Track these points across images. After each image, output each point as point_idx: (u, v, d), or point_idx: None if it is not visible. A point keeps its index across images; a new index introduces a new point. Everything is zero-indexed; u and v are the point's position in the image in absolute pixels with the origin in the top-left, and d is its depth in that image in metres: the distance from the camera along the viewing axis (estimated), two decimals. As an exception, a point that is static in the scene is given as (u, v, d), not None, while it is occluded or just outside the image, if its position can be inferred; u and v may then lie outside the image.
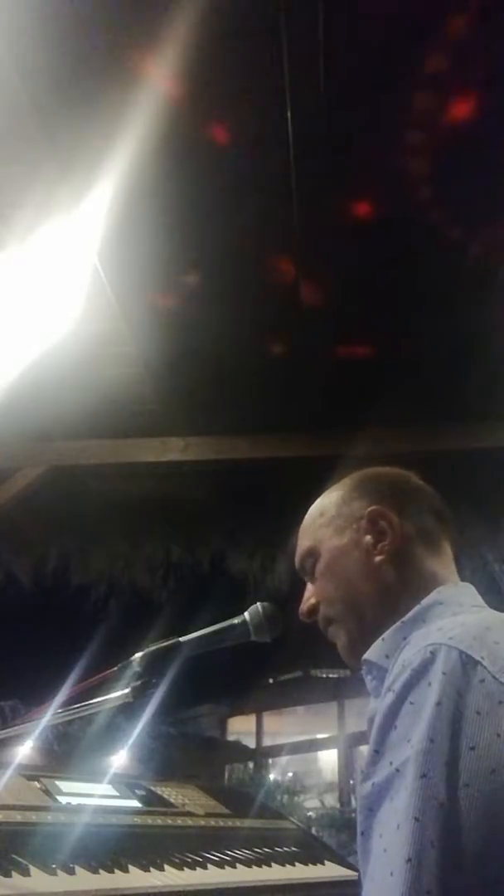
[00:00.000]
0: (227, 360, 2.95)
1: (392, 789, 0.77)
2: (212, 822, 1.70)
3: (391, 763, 0.78)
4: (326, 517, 1.14)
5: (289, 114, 1.93)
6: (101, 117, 1.95)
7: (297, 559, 1.18)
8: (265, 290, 2.63)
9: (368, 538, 1.09)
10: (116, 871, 1.24)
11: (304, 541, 1.17)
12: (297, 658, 13.69)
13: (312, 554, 1.14)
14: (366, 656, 1.02)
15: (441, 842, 0.70)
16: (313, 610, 1.13)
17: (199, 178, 2.18)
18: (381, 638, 1.00)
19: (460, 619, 0.94)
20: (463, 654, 0.80)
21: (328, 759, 15.00)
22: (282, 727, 16.52)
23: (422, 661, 0.82)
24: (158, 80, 1.86)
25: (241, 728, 16.63)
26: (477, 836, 0.70)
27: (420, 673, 0.81)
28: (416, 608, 1.00)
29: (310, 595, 1.15)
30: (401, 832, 0.72)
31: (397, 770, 0.77)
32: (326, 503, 1.17)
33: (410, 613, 0.99)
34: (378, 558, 1.07)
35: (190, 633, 1.20)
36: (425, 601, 1.00)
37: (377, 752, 0.81)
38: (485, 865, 0.69)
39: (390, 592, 1.05)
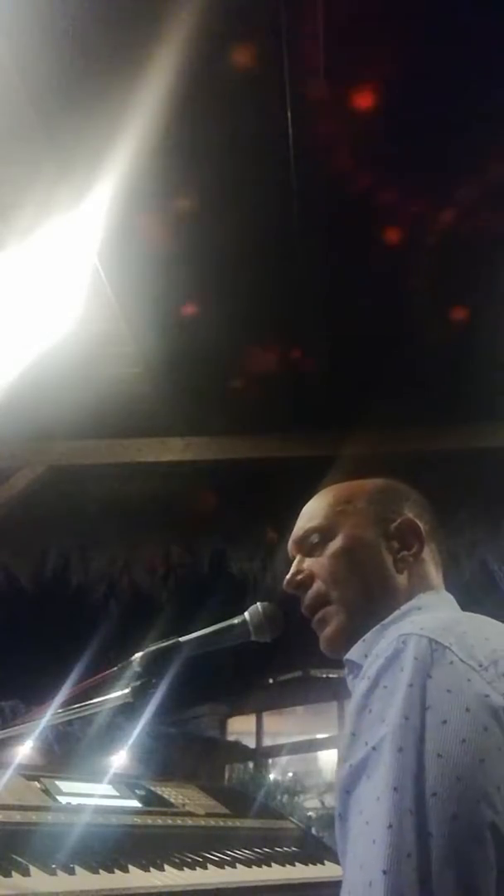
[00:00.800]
0: (227, 360, 2.95)
1: (369, 768, 0.81)
2: (212, 822, 1.70)
3: (367, 743, 0.82)
4: (353, 505, 1.15)
5: (289, 114, 1.93)
6: (101, 117, 1.95)
7: (299, 532, 1.17)
8: (265, 289, 2.63)
9: (395, 543, 1.11)
10: (116, 871, 1.24)
11: (315, 518, 1.16)
12: (297, 658, 13.67)
13: (323, 533, 1.14)
14: (347, 656, 1.05)
15: (418, 808, 0.75)
16: (304, 584, 1.13)
17: (199, 178, 2.18)
18: (362, 639, 1.04)
19: (432, 615, 1.01)
20: (433, 641, 0.85)
21: (328, 759, 14.95)
22: (282, 727, 16.49)
23: (394, 650, 0.86)
24: (158, 79, 1.86)
25: (241, 728, 16.58)
26: (450, 801, 0.75)
27: (392, 660, 0.86)
28: (396, 612, 1.04)
29: (303, 568, 1.15)
30: (381, 803, 0.77)
31: (374, 748, 0.81)
32: (354, 493, 1.17)
33: (390, 617, 1.04)
34: (398, 565, 1.10)
35: (190, 633, 1.20)
36: (405, 606, 1.05)
37: (353, 735, 0.85)
38: (459, 827, 0.74)
39: (395, 598, 1.08)
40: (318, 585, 1.12)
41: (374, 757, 0.81)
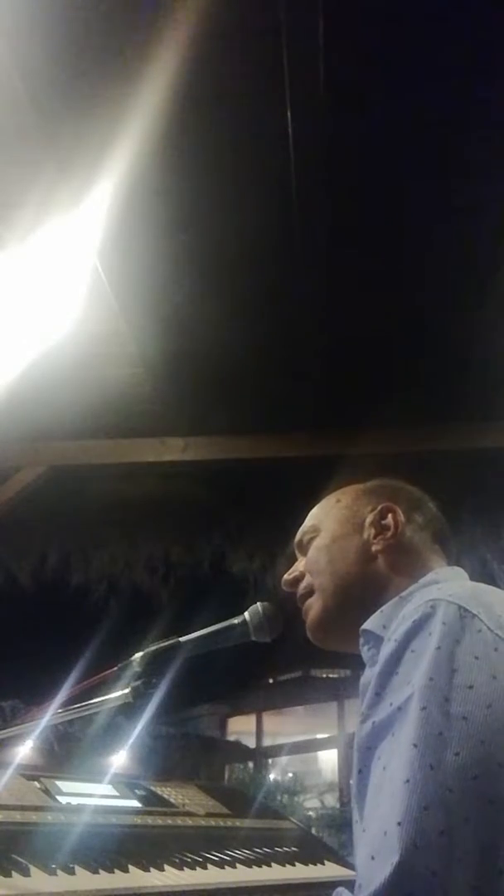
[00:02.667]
0: (227, 360, 2.95)
1: (394, 726, 0.83)
2: (212, 822, 1.70)
3: (392, 704, 0.84)
4: (340, 505, 1.22)
5: (289, 114, 1.93)
6: (101, 117, 1.95)
7: (297, 535, 1.25)
8: (265, 290, 2.63)
9: (372, 529, 1.16)
10: (116, 871, 1.24)
11: (310, 519, 1.24)
12: (297, 658, 13.69)
13: (314, 532, 1.21)
14: (364, 626, 1.06)
15: (440, 765, 0.76)
16: (296, 581, 1.20)
17: (199, 178, 2.18)
18: (379, 610, 1.06)
19: (457, 584, 1.04)
20: (461, 608, 0.87)
21: (328, 759, 14.99)
22: (282, 727, 16.52)
23: (423, 614, 0.88)
24: (158, 79, 1.86)
25: (241, 728, 16.62)
26: (472, 762, 0.76)
27: (421, 624, 0.87)
28: (414, 585, 1.07)
29: (298, 567, 1.22)
30: (402, 758, 0.78)
31: (399, 708, 0.83)
32: (345, 493, 1.24)
33: (409, 589, 1.06)
34: (374, 548, 1.14)
35: (190, 633, 1.21)
36: (423, 580, 1.08)
37: (378, 695, 0.87)
38: (480, 788, 0.76)
39: (378, 580, 1.12)
40: (306, 579, 1.18)
41: (399, 716, 0.82)
